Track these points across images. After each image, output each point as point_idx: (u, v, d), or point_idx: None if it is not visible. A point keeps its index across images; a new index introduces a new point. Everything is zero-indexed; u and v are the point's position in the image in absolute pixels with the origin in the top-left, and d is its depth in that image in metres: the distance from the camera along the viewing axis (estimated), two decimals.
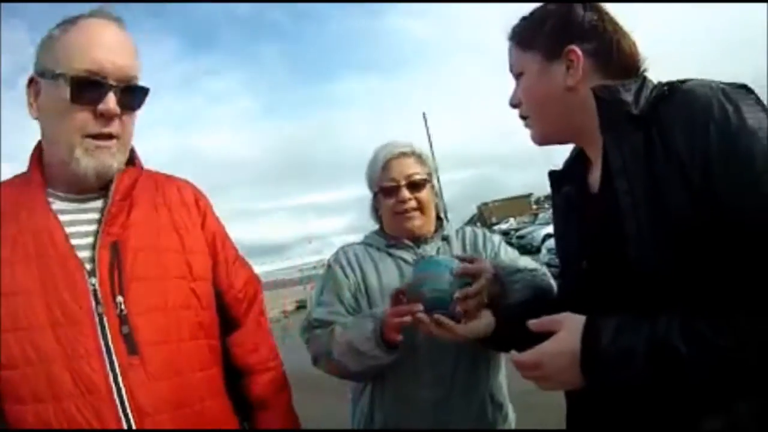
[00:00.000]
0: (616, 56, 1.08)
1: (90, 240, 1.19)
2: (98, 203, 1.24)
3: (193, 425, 1.18)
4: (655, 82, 1.07)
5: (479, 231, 1.93)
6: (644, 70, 1.10)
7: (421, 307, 1.38)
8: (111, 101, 1.15)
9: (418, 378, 1.65)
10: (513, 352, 1.07)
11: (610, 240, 1.01)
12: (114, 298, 1.14)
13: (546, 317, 1.04)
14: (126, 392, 1.09)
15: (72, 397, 1.07)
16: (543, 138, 1.20)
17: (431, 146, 41.55)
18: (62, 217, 1.19)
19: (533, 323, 1.06)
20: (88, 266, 1.16)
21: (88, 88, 1.15)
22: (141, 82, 1.26)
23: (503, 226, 46.30)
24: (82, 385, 1.07)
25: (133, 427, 1.09)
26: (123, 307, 1.14)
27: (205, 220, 1.40)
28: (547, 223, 22.73)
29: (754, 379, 0.84)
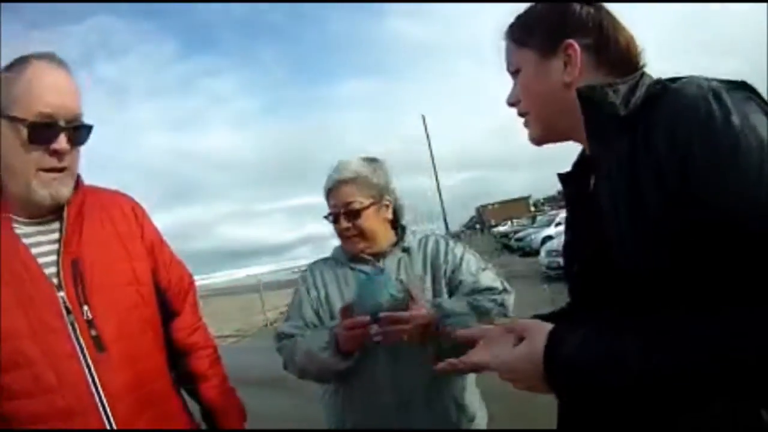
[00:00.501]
0: (614, 51, 1.05)
1: (53, 257, 1.36)
2: (55, 225, 1.41)
3: (149, 402, 1.41)
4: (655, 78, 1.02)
5: (443, 242, 1.94)
6: (642, 66, 1.06)
7: (368, 318, 1.53)
8: (63, 141, 1.31)
9: (380, 384, 1.75)
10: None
11: (595, 243, 0.99)
12: (81, 307, 1.34)
13: (519, 322, 1.05)
14: (99, 382, 1.31)
15: (57, 390, 1.27)
16: (541, 136, 1.15)
17: (430, 148, 41.70)
18: (26, 240, 1.35)
19: (498, 327, 1.09)
20: (54, 281, 1.34)
21: (42, 130, 1.29)
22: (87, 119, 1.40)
23: (502, 229, 46.52)
24: (64, 380, 1.27)
25: (108, 410, 1.30)
26: (89, 314, 1.34)
27: (143, 230, 1.60)
28: (546, 226, 22.97)
29: (726, 383, 0.80)
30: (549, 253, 13.89)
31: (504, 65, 1.19)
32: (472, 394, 1.89)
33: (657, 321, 0.86)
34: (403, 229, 1.96)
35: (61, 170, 1.34)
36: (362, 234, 1.83)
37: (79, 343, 1.31)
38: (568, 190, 1.20)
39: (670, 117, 0.88)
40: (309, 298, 1.90)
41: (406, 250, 1.90)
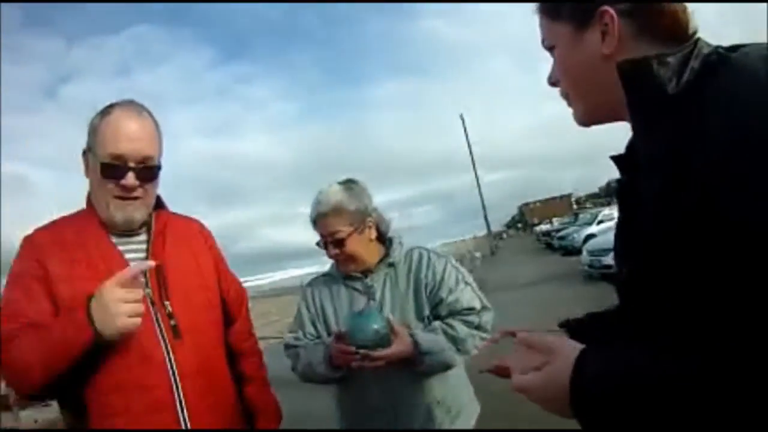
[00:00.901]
0: (658, 16, 0.89)
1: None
2: (143, 237, 1.71)
3: (213, 387, 1.66)
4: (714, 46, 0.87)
5: (426, 257, 2.07)
6: (694, 32, 0.89)
7: (353, 349, 1.79)
8: (130, 178, 1.57)
9: (368, 389, 1.96)
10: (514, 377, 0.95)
11: (634, 243, 0.88)
12: (163, 302, 1.61)
13: (543, 341, 0.93)
14: (174, 362, 1.55)
15: (139, 365, 1.51)
16: (586, 116, 1.02)
17: (470, 147, 41.54)
18: (120, 248, 1.65)
19: (524, 339, 0.97)
20: (143, 280, 1.58)
21: (113, 169, 1.57)
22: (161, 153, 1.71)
23: (544, 227, 45.95)
24: (146, 357, 1.53)
25: (179, 386, 1.54)
26: (170, 308, 1.62)
27: (210, 249, 1.91)
28: (588, 224, 22.71)
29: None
30: (591, 252, 13.46)
31: (545, 63, 1.08)
32: (460, 391, 2.07)
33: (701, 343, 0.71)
34: (391, 241, 2.12)
35: (133, 198, 1.62)
36: (350, 257, 2.01)
37: (160, 329, 1.57)
38: (620, 178, 1.03)
39: (728, 95, 0.75)
40: (308, 314, 2.16)
41: (391, 265, 2.06)
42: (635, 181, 0.89)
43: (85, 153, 1.66)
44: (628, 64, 0.85)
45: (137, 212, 1.64)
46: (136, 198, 1.62)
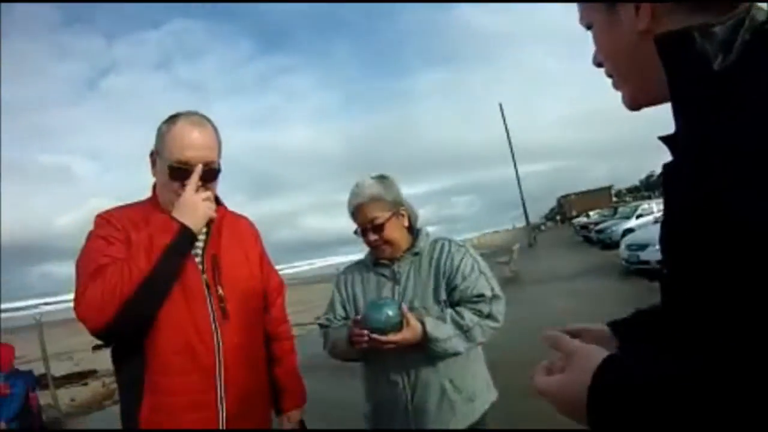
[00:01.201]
0: None
1: (199, 251, 1.90)
2: (203, 229, 1.90)
3: (251, 361, 1.93)
4: None
5: (447, 247, 2.27)
6: None
7: (365, 334, 2.00)
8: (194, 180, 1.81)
9: (390, 368, 2.17)
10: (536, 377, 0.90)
11: (670, 235, 0.78)
12: (216, 286, 1.86)
13: (565, 341, 0.88)
14: (220, 338, 1.81)
15: (194, 337, 1.77)
16: (632, 99, 0.90)
17: (509, 137, 41.03)
18: None
19: (548, 339, 0.93)
20: (200, 267, 1.87)
21: (179, 172, 1.80)
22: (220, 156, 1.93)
23: (582, 220, 45.28)
24: (198, 330, 1.78)
25: (221, 357, 1.79)
26: (221, 292, 1.86)
27: (256, 244, 2.18)
28: (627, 218, 22.40)
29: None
30: (629, 246, 13.23)
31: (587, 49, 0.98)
32: (474, 375, 2.24)
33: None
34: (418, 232, 2.34)
35: None
36: (388, 242, 2.22)
37: (212, 309, 1.82)
38: (665, 164, 0.86)
39: None
40: (339, 297, 2.40)
41: (417, 254, 2.27)
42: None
43: (152, 154, 1.88)
44: (666, 37, 0.75)
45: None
46: None
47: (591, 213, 48.70)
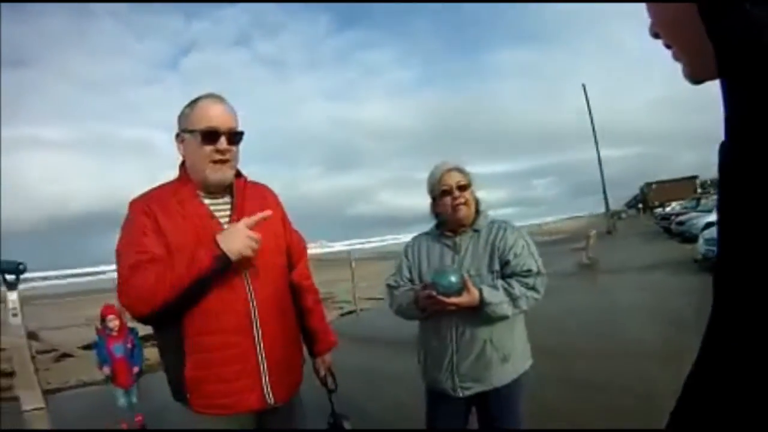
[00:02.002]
0: None
1: (227, 219, 2.14)
2: (227, 199, 2.20)
3: (279, 309, 2.18)
4: None
5: (502, 228, 2.69)
6: None
7: (433, 295, 2.42)
8: (223, 142, 2.08)
9: (443, 322, 2.62)
10: None
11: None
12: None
13: None
14: (252, 291, 2.07)
15: (228, 294, 2.03)
16: (693, 71, 0.76)
17: (591, 120, 39.75)
18: (211, 208, 2.14)
19: None
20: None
21: (210, 136, 2.06)
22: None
23: (665, 210, 43.72)
24: (233, 289, 2.04)
25: (256, 307, 2.05)
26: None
27: (277, 207, 2.35)
28: (710, 211, 21.04)
29: None
30: (708, 241, 12.62)
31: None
32: (513, 340, 2.66)
33: None
34: (479, 213, 2.74)
35: (224, 162, 2.09)
36: (467, 203, 2.66)
37: (245, 273, 2.07)
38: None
39: None
40: (407, 261, 2.83)
41: (476, 231, 2.70)
42: None
43: (178, 135, 2.14)
44: (711, 3, 0.62)
45: (228, 173, 2.13)
46: (226, 161, 2.09)
47: (673, 203, 46.79)
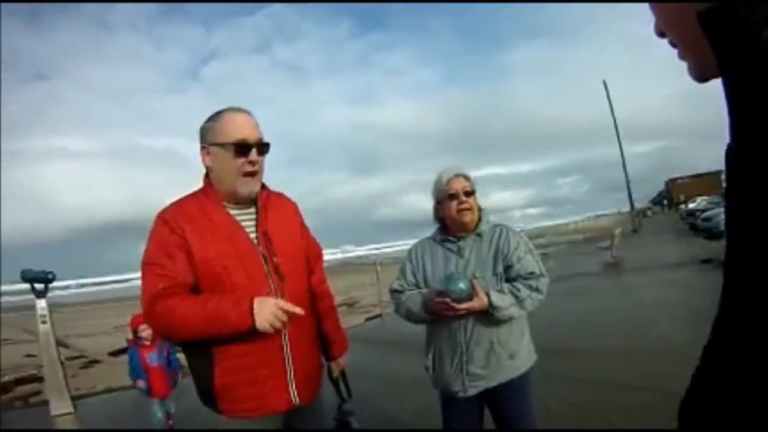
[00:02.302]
0: None
1: (253, 229, 2.20)
2: (251, 209, 2.24)
3: (305, 317, 2.10)
4: None
5: (505, 232, 2.77)
6: None
7: (446, 302, 2.51)
8: (254, 153, 2.13)
9: (451, 329, 2.69)
10: None
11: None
12: (272, 258, 2.16)
13: None
14: (281, 298, 2.06)
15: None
16: (698, 71, 0.77)
17: (613, 116, 39.25)
18: (237, 218, 2.18)
19: None
20: (255, 242, 2.17)
21: (242, 148, 2.10)
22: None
23: (690, 206, 43.18)
24: (261, 294, 2.03)
25: (284, 308, 1.99)
26: (276, 261, 2.17)
27: (296, 216, 2.45)
28: None
29: None
30: None
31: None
32: (518, 339, 2.73)
33: None
34: (481, 219, 2.81)
35: (253, 174, 2.14)
36: (472, 208, 2.73)
37: (270, 276, 2.14)
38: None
39: None
40: (410, 266, 2.89)
41: (479, 235, 2.77)
42: None
43: (203, 148, 2.16)
44: (709, 11, 0.65)
45: (256, 186, 2.18)
46: (256, 173, 2.15)
47: (698, 199, 46.14)
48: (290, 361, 2.15)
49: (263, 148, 2.18)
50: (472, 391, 2.67)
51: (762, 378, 0.57)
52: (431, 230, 2.92)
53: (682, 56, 0.78)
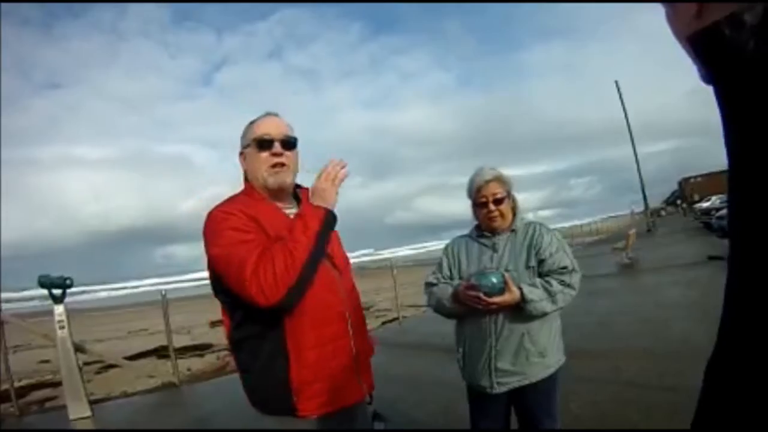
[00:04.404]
0: None
1: None
2: (295, 209, 2.26)
3: (353, 299, 2.31)
4: None
5: (538, 229, 2.83)
6: None
7: (479, 296, 2.57)
8: (277, 146, 2.19)
9: (482, 324, 2.73)
10: None
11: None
12: (332, 256, 2.22)
13: None
14: (340, 286, 2.20)
15: (326, 294, 2.11)
16: (705, 76, 0.75)
17: (626, 116, 38.96)
18: (286, 212, 2.22)
19: None
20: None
21: (264, 143, 2.19)
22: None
23: (705, 205, 43.04)
24: (330, 289, 2.14)
25: (342, 296, 2.17)
26: (333, 259, 2.23)
27: None
28: None
29: None
30: None
31: None
32: (548, 336, 2.74)
33: None
34: (515, 215, 2.89)
35: (282, 165, 2.19)
36: (501, 215, 2.81)
37: (333, 268, 2.21)
38: None
39: None
40: (447, 260, 2.98)
41: (513, 231, 2.85)
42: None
43: (241, 154, 2.29)
44: (696, 34, 0.69)
45: (286, 177, 2.21)
46: (282, 165, 2.19)
47: (712, 197, 45.87)
48: (356, 351, 2.18)
49: (288, 142, 2.24)
50: (500, 389, 2.69)
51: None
52: (448, 234, 2.97)
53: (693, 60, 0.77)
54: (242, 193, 2.26)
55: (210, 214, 2.06)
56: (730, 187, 0.70)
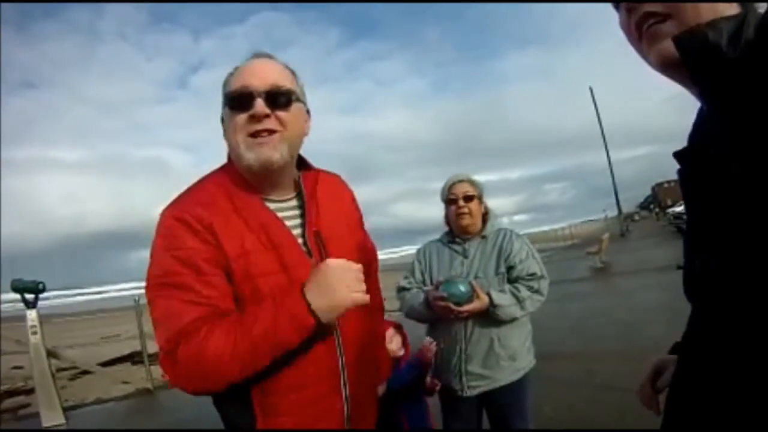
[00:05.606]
0: None
1: (299, 230, 1.57)
2: (294, 202, 1.62)
3: (366, 343, 1.67)
4: None
5: (508, 235, 2.86)
6: None
7: (448, 305, 2.56)
8: (259, 105, 1.44)
9: (452, 329, 2.74)
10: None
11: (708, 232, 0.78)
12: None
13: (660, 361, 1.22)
14: (339, 330, 1.54)
15: (314, 351, 1.48)
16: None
17: (600, 122, 39.41)
18: (279, 214, 1.55)
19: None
20: (304, 249, 1.53)
21: (239, 99, 1.46)
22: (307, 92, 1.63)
23: (677, 209, 43.64)
24: (323, 342, 1.52)
25: (342, 353, 1.58)
26: None
27: (353, 206, 1.87)
28: None
29: None
30: None
31: None
32: (517, 340, 2.78)
33: None
34: (486, 222, 2.92)
35: (270, 132, 1.47)
36: (471, 213, 2.83)
37: None
38: (679, 170, 0.92)
39: None
40: (419, 265, 2.99)
41: (484, 237, 2.88)
42: (701, 170, 0.78)
43: (222, 119, 1.57)
44: (681, 35, 0.77)
45: (273, 150, 1.47)
46: (270, 132, 1.47)
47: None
48: (349, 414, 1.58)
49: (277, 96, 1.49)
50: (471, 392, 2.72)
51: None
52: (422, 238, 3.00)
53: None
54: (221, 170, 1.61)
55: (161, 215, 1.49)
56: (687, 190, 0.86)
